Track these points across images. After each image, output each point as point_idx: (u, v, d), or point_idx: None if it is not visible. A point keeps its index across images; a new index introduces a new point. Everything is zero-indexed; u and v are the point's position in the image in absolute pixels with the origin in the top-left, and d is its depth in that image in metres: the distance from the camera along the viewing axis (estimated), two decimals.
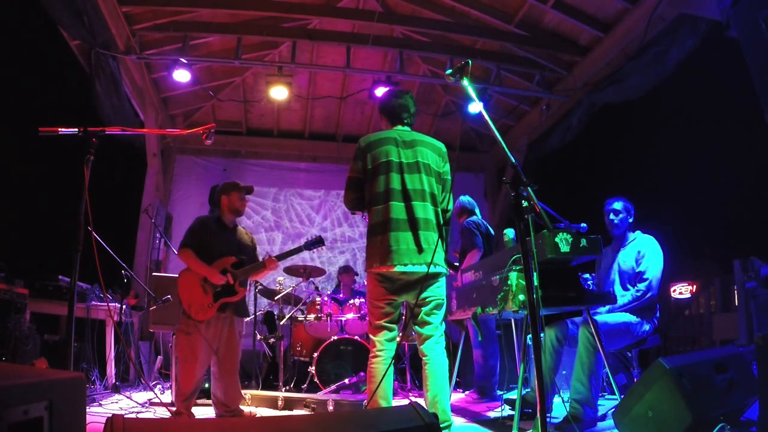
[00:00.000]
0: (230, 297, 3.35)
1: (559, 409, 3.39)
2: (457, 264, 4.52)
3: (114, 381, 4.83)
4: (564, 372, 4.16)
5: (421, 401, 2.00)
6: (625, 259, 3.42)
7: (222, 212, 3.55)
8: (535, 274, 2.02)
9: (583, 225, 3.00)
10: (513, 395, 3.21)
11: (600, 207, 3.62)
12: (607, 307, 3.24)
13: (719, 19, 3.98)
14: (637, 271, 3.33)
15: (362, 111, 7.97)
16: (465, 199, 4.91)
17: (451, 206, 2.77)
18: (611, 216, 3.50)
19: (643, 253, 3.34)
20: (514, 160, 2.10)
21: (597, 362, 2.88)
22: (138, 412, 3.60)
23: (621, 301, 3.26)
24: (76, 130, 2.24)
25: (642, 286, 3.25)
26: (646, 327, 3.24)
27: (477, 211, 4.88)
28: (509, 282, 2.65)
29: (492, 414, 3.60)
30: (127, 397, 4.08)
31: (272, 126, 8.13)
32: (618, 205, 3.49)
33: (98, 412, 3.51)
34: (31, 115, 6.02)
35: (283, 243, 7.79)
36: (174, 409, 3.31)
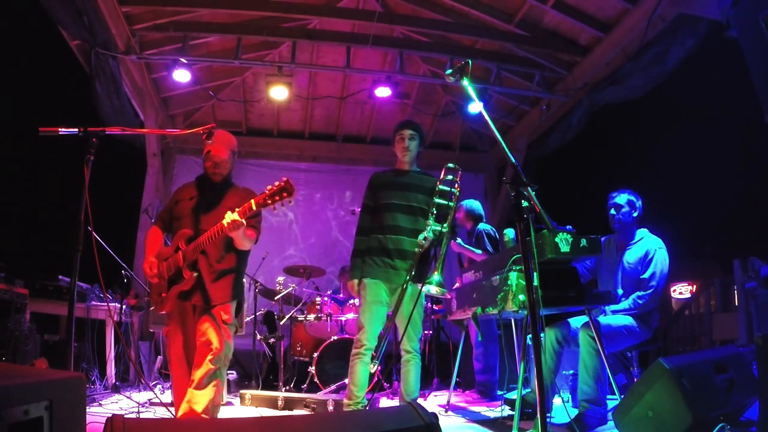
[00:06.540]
0: (178, 284, 2.62)
1: (559, 409, 3.39)
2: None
3: (114, 381, 4.83)
4: (570, 371, 4.13)
5: (421, 401, 1.99)
6: (629, 260, 3.24)
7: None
8: (535, 274, 2.02)
9: (569, 227, 2.92)
10: (513, 395, 3.20)
11: (600, 207, 3.53)
12: (612, 307, 3.18)
13: (719, 19, 3.98)
14: (642, 277, 3.15)
15: (362, 111, 7.96)
16: (470, 205, 4.71)
17: None
18: (612, 211, 3.30)
19: (650, 258, 3.15)
20: (514, 160, 2.10)
21: (601, 364, 2.85)
22: (138, 412, 3.60)
23: (622, 305, 3.17)
24: (76, 130, 2.24)
25: (645, 295, 3.10)
26: (647, 331, 3.22)
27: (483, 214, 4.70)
28: (509, 282, 2.65)
29: (492, 414, 3.60)
30: (127, 397, 4.08)
31: (272, 126, 8.12)
32: (621, 200, 3.27)
33: (98, 412, 3.51)
34: (31, 115, 6.02)
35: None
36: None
